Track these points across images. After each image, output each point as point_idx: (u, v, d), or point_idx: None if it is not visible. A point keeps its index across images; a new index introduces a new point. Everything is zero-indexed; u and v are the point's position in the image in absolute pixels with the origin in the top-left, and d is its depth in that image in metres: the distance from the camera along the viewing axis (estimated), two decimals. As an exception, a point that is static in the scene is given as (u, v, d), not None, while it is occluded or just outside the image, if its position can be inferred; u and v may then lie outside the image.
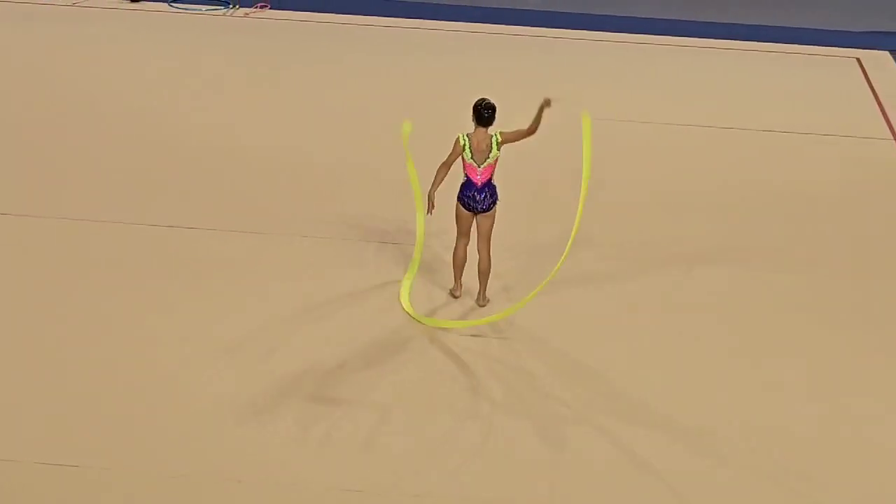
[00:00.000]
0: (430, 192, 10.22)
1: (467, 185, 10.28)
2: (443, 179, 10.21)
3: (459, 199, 10.34)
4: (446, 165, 10.21)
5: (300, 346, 9.79)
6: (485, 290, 10.68)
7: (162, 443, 8.51)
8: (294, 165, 13.50)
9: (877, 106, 16.47)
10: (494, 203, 10.35)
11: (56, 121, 14.56)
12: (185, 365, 9.47)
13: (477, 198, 10.29)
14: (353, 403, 9.05)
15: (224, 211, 12.22)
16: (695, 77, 17.40)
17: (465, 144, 10.17)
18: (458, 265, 10.66)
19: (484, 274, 10.57)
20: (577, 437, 8.82)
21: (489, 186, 10.28)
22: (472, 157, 10.19)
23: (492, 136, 10.15)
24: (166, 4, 19.47)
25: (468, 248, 10.63)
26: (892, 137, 15.25)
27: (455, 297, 10.77)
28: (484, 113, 10.10)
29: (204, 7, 19.45)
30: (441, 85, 16.44)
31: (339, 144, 14.22)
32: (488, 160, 10.18)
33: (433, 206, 10.26)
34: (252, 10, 19.42)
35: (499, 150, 10.21)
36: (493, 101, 10.16)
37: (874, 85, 17.35)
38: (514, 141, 10.22)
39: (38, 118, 14.61)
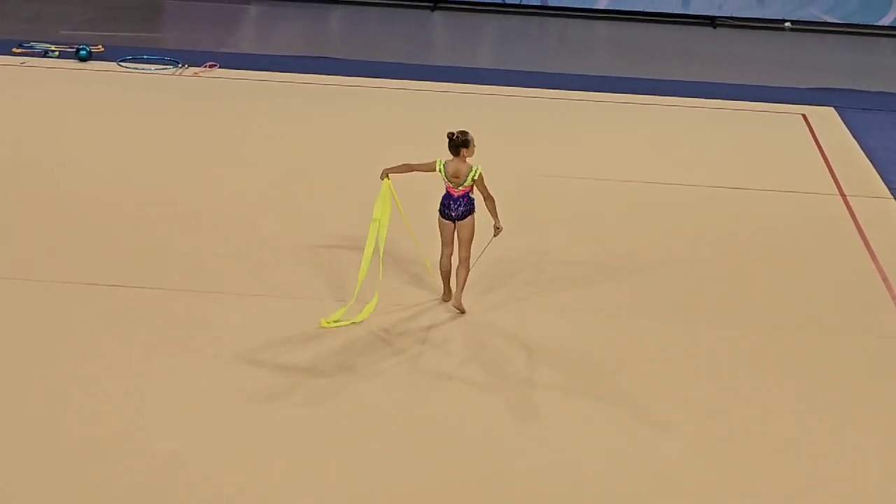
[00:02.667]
0: (386, 169, 11.31)
1: (445, 197, 11.21)
2: (402, 171, 11.29)
3: (440, 209, 11.28)
4: (410, 167, 11.25)
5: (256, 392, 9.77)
6: (461, 291, 11.41)
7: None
8: (234, 224, 13.46)
9: (822, 162, 16.60)
10: (470, 212, 11.19)
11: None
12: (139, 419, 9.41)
13: (451, 206, 11.18)
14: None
15: (162, 268, 12.19)
16: (641, 133, 17.49)
17: (440, 169, 11.08)
18: (445, 275, 11.49)
19: (461, 279, 11.36)
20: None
21: (465, 197, 11.22)
22: (448, 181, 11.11)
23: (472, 169, 11.06)
24: (115, 64, 19.44)
25: (452, 257, 11.42)
26: (837, 193, 15.37)
27: (446, 301, 11.57)
28: (450, 143, 11.07)
29: (153, 66, 19.43)
30: (387, 142, 16.47)
31: (282, 203, 14.20)
32: (463, 185, 11.07)
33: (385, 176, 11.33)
34: (201, 69, 19.41)
35: (473, 181, 11.09)
36: (463, 133, 11.12)
37: (820, 141, 17.50)
38: (480, 190, 11.17)
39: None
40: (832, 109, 19.10)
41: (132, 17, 23.02)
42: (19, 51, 19.76)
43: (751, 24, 24.74)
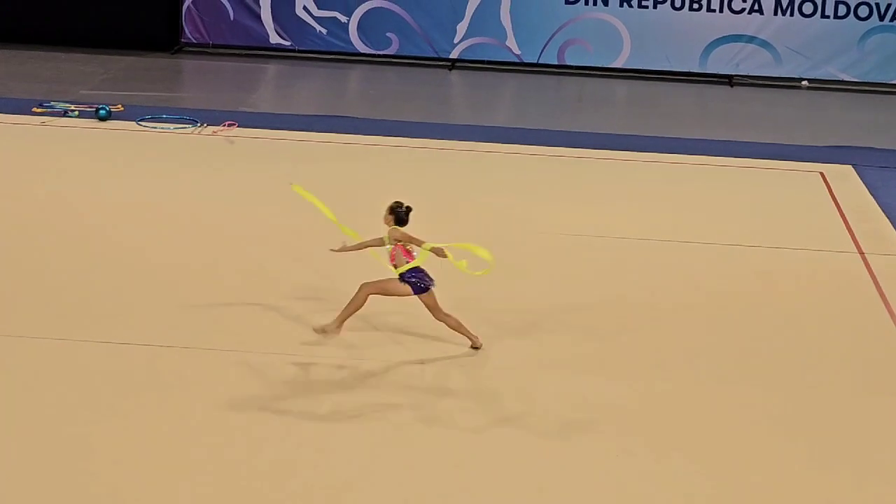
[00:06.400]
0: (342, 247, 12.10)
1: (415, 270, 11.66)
2: (355, 249, 11.97)
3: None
4: (361, 245, 11.95)
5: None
6: (468, 333, 11.91)
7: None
8: (252, 283, 13.47)
9: (841, 219, 16.57)
10: (422, 289, 11.66)
11: (14, 237, 14.52)
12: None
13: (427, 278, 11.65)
14: None
15: (176, 327, 12.21)
16: (658, 191, 17.49)
17: (387, 240, 11.65)
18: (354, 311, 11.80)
19: (454, 327, 11.82)
20: None
21: (411, 272, 11.67)
22: (392, 250, 11.63)
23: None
24: (134, 123, 19.53)
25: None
26: (855, 251, 15.33)
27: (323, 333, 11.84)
28: (405, 212, 11.67)
29: (172, 126, 19.53)
30: (405, 200, 16.47)
31: (300, 263, 14.22)
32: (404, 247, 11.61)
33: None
34: (220, 128, 19.49)
35: (390, 244, 11.60)
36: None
37: (838, 199, 17.47)
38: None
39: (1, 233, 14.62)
40: (850, 167, 19.07)
41: (151, 77, 23.15)
42: (39, 110, 19.88)
43: (768, 82, 24.78)
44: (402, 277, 11.65)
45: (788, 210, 17.02)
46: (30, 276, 13.42)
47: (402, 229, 11.69)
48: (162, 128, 19.48)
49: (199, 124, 19.64)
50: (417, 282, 11.64)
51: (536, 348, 12.20)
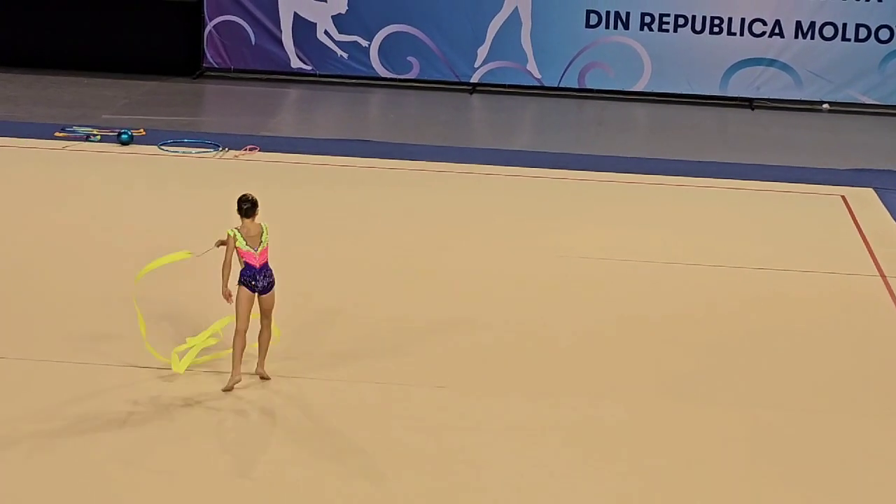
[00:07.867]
0: (222, 291, 11.39)
1: (247, 269, 11.40)
2: (228, 276, 11.37)
3: (242, 282, 11.31)
4: (227, 264, 11.41)
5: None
6: (264, 359, 11.62)
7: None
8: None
9: (862, 243, 16.54)
10: (273, 284, 11.50)
11: (36, 261, 14.58)
12: None
13: (257, 278, 11.40)
14: None
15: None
16: (680, 215, 17.48)
17: (235, 235, 11.23)
18: (239, 352, 11.40)
19: (264, 344, 11.65)
20: None
21: (267, 269, 11.46)
22: (247, 245, 11.34)
23: (261, 226, 11.51)
24: (156, 147, 19.60)
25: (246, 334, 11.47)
26: (877, 274, 15.30)
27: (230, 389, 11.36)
28: (242, 206, 11.46)
29: (194, 150, 19.59)
30: (426, 224, 16.54)
31: (333, 289, 14.23)
32: (262, 244, 11.42)
33: (230, 297, 11.43)
34: (241, 152, 19.55)
35: (268, 236, 11.49)
36: (252, 196, 11.46)
37: (859, 222, 17.43)
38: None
39: (21, 257, 14.67)
40: (871, 190, 19.03)
41: (173, 102, 23.24)
42: (62, 135, 19.98)
43: (789, 105, 24.76)
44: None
45: (809, 233, 16.99)
46: (47, 300, 13.47)
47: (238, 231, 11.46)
48: (184, 152, 19.55)
49: (220, 148, 19.70)
50: (249, 281, 11.36)
51: (546, 366, 12.20)
